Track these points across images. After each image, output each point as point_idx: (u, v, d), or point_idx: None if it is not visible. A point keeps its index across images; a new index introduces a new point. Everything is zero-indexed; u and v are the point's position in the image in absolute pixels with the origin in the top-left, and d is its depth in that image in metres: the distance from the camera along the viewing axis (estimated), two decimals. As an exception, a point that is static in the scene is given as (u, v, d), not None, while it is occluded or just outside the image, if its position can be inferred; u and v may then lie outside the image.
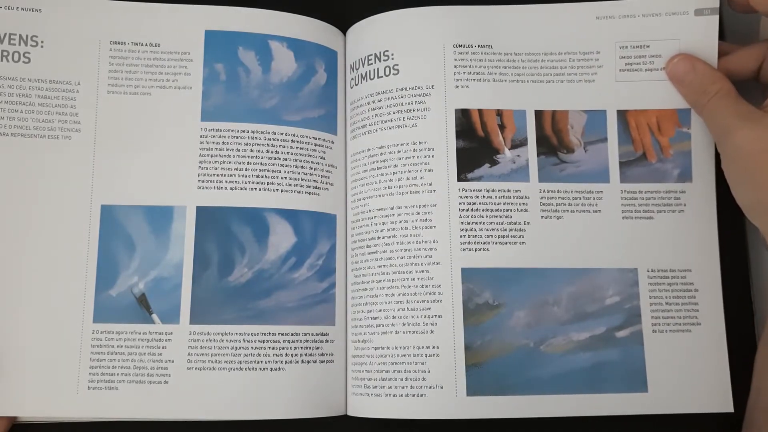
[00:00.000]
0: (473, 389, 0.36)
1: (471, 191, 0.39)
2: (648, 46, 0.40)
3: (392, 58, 0.40)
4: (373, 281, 0.38)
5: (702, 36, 0.39)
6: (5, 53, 0.40)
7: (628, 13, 0.40)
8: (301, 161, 0.40)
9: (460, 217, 0.38)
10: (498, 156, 0.39)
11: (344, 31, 0.43)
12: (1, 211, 0.38)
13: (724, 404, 0.37)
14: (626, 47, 0.40)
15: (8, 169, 0.39)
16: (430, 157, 0.39)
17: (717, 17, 0.39)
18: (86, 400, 0.37)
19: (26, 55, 0.40)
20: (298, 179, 0.40)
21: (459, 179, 0.39)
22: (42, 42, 0.40)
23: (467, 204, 0.38)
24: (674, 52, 0.39)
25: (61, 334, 0.38)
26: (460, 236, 0.38)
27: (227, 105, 0.40)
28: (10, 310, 0.37)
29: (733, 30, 0.42)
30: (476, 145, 0.39)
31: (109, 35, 0.41)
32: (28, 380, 0.37)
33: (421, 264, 0.38)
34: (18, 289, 0.38)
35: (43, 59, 0.40)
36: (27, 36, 0.40)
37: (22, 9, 0.40)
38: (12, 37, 0.40)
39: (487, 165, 0.39)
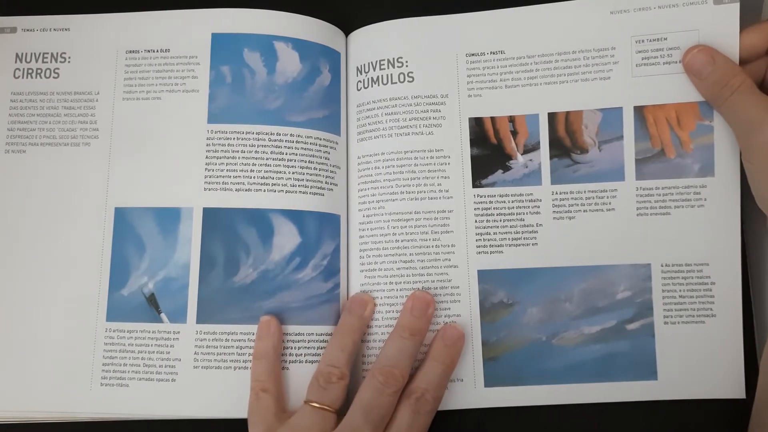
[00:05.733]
0: (491, 381, 0.39)
1: (485, 197, 0.40)
2: (665, 39, 0.39)
3: (407, 65, 0.41)
4: (391, 282, 0.39)
5: (722, 26, 0.38)
6: (39, 71, 0.42)
7: (644, 6, 0.39)
8: (305, 162, 0.40)
9: (476, 221, 0.40)
10: (511, 162, 0.40)
11: (346, 32, 0.43)
12: (28, 214, 0.40)
13: (737, 391, 0.38)
14: (642, 41, 0.39)
15: (39, 175, 0.41)
16: (446, 164, 0.40)
17: (737, 6, 0.38)
18: (99, 396, 0.38)
19: (56, 71, 0.42)
20: (303, 180, 0.40)
21: (474, 186, 0.40)
22: (69, 57, 0.42)
23: (482, 209, 0.40)
24: (693, 43, 0.38)
25: (77, 332, 0.39)
26: (476, 240, 0.39)
27: (233, 107, 0.40)
28: (30, 308, 0.39)
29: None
30: (489, 152, 0.40)
31: (125, 45, 0.42)
32: (45, 376, 0.38)
33: (441, 267, 0.39)
34: (38, 288, 0.39)
35: (70, 73, 0.42)
36: (57, 53, 0.42)
37: (54, 30, 0.42)
38: (45, 55, 0.42)
39: (500, 171, 0.40)
